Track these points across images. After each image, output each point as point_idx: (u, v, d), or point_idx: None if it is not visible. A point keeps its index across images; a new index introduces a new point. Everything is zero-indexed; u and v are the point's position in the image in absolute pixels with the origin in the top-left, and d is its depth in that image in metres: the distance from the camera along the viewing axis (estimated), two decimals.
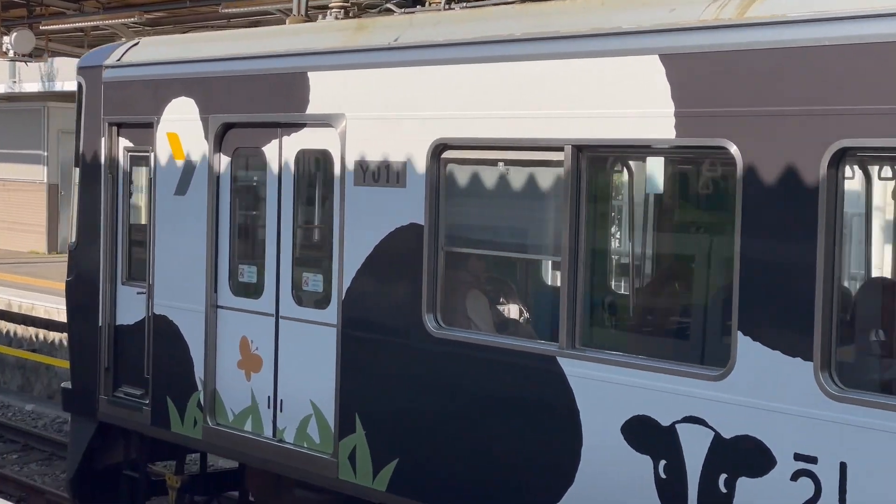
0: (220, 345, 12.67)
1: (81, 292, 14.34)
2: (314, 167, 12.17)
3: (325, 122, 11.48)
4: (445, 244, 10.57)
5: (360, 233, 11.14)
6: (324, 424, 11.59)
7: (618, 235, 10.05)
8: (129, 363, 13.80)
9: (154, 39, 14.26)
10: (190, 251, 12.89)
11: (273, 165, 12.11)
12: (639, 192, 9.76)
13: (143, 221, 13.89)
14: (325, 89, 11.50)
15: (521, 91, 9.89)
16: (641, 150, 9.36)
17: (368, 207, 11.08)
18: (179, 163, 13.07)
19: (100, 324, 14.04)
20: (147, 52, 13.73)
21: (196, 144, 12.83)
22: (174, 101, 13.12)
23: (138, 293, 13.61)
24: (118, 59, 13.93)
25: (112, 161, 13.94)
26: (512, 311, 10.78)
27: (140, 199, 14.00)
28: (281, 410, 12.06)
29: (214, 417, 12.69)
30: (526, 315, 10.69)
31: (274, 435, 12.13)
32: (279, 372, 12.09)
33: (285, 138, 11.99)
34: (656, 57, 9.05)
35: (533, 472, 9.84)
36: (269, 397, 12.19)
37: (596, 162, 9.74)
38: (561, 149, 9.58)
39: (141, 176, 14.04)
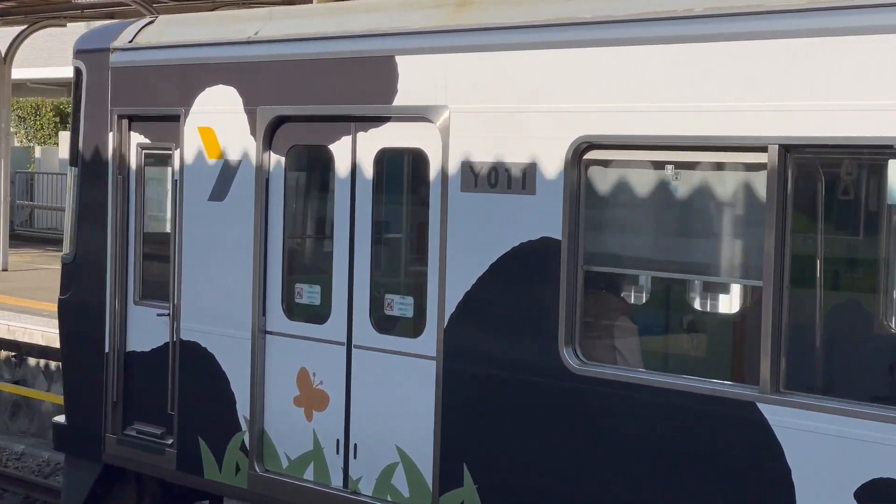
0: (270, 378, 10.72)
1: (81, 313, 12.25)
2: (401, 169, 10.28)
3: (418, 115, 9.60)
4: (586, 262, 8.79)
5: (469, 248, 9.29)
6: (416, 475, 9.72)
7: (836, 255, 8.36)
8: (145, 397, 11.76)
9: (178, 17, 12.19)
10: (229, 266, 10.91)
11: (343, 166, 10.19)
12: (871, 202, 8.08)
13: (164, 230, 11.88)
14: (419, 77, 9.62)
15: (702, 79, 8.14)
16: (881, 151, 7.67)
17: (481, 218, 9.24)
18: (215, 163, 11.07)
19: (106, 350, 11.98)
20: (170, 31, 11.69)
21: (238, 141, 10.86)
22: (209, 90, 11.11)
23: (158, 315, 11.58)
24: (130, 41, 11.86)
25: (122, 160, 11.88)
26: (672, 343, 9.02)
27: (158, 204, 11.98)
28: (355, 457, 10.15)
29: (263, 463, 10.73)
30: (694, 349, 8.93)
31: (345, 485, 10.21)
32: (352, 411, 10.18)
33: (361, 135, 10.08)
34: None
35: None
36: (338, 441, 10.27)
37: (809, 165, 8.04)
38: (763, 149, 7.85)
39: (159, 177, 12.01)
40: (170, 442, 11.44)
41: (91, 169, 12.08)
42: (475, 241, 9.26)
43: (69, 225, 12.58)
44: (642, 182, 8.82)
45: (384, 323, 10.03)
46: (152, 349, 11.70)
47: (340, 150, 10.21)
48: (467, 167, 9.30)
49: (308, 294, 10.59)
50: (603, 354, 8.89)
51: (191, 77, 11.26)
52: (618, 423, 8.56)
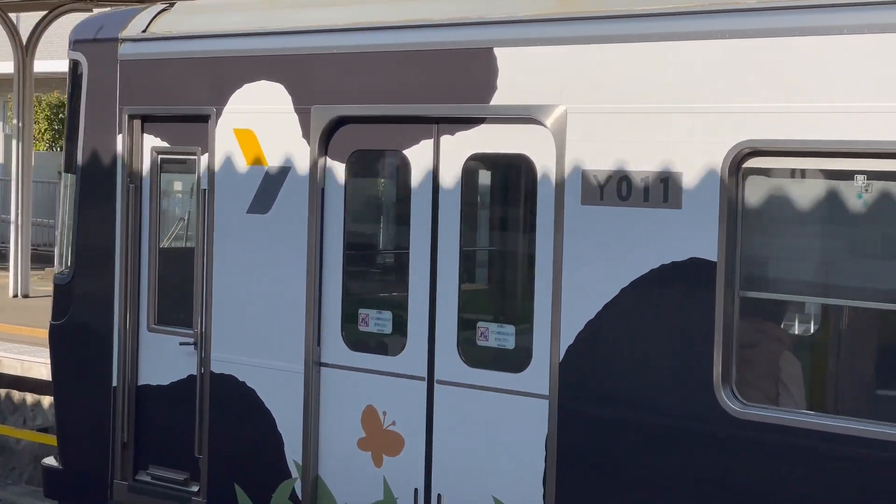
0: (327, 417, 9.29)
1: (81, 340, 10.67)
2: (498, 178, 8.95)
3: (524, 116, 8.28)
4: (745, 287, 7.56)
5: (592, 270, 7.99)
6: None
7: None
8: (163, 437, 10.24)
9: (201, 4, 10.65)
10: (275, 288, 9.46)
11: (423, 174, 8.81)
12: None
13: (185, 246, 10.38)
14: (525, 72, 8.28)
15: None
16: None
17: (608, 235, 7.95)
18: (255, 170, 9.60)
19: (114, 383, 10.44)
20: (194, 20, 10.15)
21: (286, 145, 9.41)
22: (247, 87, 9.63)
23: (181, 344, 10.08)
24: (143, 30, 10.32)
25: (134, 166, 10.34)
26: (850, 381, 7.80)
27: (177, 216, 10.47)
28: None
29: None
30: (879, 387, 7.70)
31: None
32: (434, 456, 8.81)
33: (446, 138, 8.71)
34: None
35: None
36: (416, 490, 8.89)
37: None
38: None
39: (179, 186, 10.51)
40: (195, 489, 9.94)
41: (93, 177, 10.52)
42: (600, 262, 7.97)
43: (63, 240, 11.02)
44: (817, 194, 7.59)
45: (476, 355, 8.67)
46: (172, 383, 10.18)
47: (419, 156, 8.83)
48: (591, 177, 8.00)
49: (376, 321, 9.18)
50: (767, 395, 7.66)
51: (225, 72, 9.77)
52: (792, 479, 7.34)
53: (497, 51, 8.39)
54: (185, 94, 9.99)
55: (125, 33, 10.35)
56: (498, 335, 8.58)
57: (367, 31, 9.05)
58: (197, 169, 9.99)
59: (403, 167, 8.98)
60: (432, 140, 8.78)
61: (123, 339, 10.33)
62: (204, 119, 9.88)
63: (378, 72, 8.97)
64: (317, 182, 9.20)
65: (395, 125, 8.95)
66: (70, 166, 10.80)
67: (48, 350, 11.03)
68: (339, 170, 9.18)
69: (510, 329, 8.54)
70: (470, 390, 8.61)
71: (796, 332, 8.02)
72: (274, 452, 9.50)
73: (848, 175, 7.29)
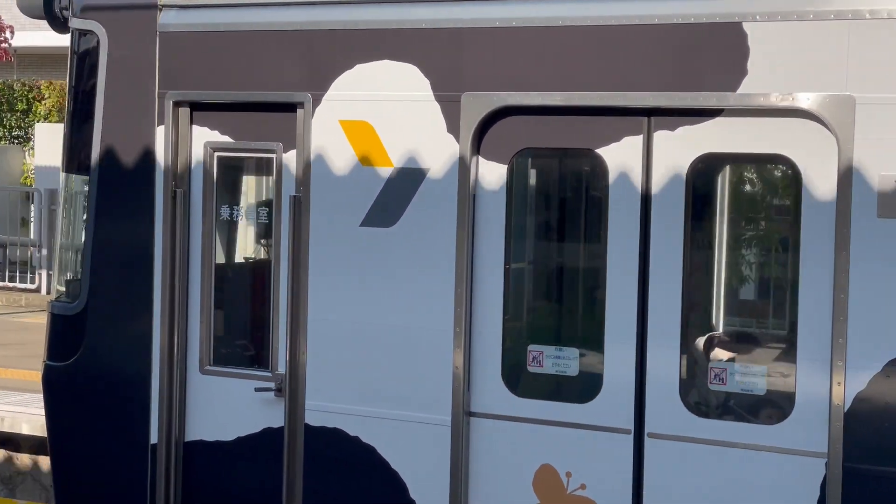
0: (481, 480, 7.42)
1: (99, 386, 8.35)
2: (740, 184, 7.23)
3: (786, 107, 6.63)
4: None
5: (892, 295, 6.44)
6: None
7: None
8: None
9: None
10: (404, 319, 7.50)
11: (626, 181, 7.05)
12: None
13: (255, 266, 8.26)
14: (788, 52, 6.65)
15: None
16: None
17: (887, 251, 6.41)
18: (374, 173, 7.57)
19: (153, 440, 8.21)
20: None
21: (421, 142, 7.45)
22: (361, 67, 7.59)
23: (258, 390, 7.95)
24: None
25: (180, 165, 8.16)
26: None
27: (246, 229, 8.29)
28: None
29: None
30: None
31: None
32: None
33: (663, 135, 6.95)
34: None
35: None
36: None
37: None
38: None
39: (246, 191, 8.34)
40: None
41: (119, 179, 8.24)
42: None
43: (64, 258, 8.69)
44: None
45: (706, 402, 7.00)
46: (238, 439, 8.05)
47: (620, 157, 7.05)
48: (892, 183, 6.44)
49: (555, 360, 7.33)
50: None
51: (325, 49, 7.69)
52: None
53: (748, 26, 6.72)
54: (260, 77, 7.86)
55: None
56: (742, 377, 6.91)
57: (548, 1, 7.21)
58: (277, 170, 7.90)
59: (596, 171, 7.19)
60: (642, 137, 7.02)
61: (167, 383, 8.13)
62: (289, 108, 7.81)
63: (561, 51, 7.13)
64: (466, 189, 7.31)
65: (582, 118, 7.15)
66: (76, 166, 8.49)
67: (41, 397, 8.68)
68: (497, 173, 7.31)
69: (760, 370, 6.88)
70: (697, 446, 6.92)
71: None
72: None
73: None
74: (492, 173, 7.31)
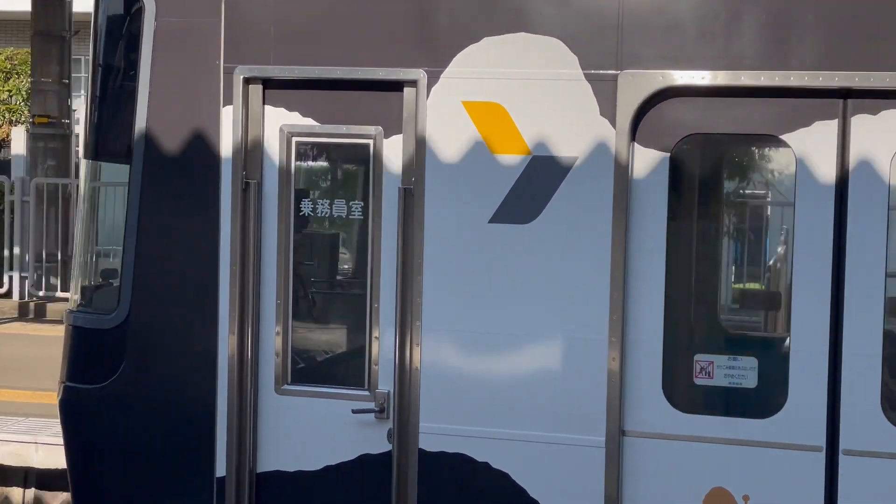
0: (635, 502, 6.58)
1: (148, 411, 7.07)
2: None
3: None
4: None
5: None
6: None
7: None
8: None
9: None
10: (547, 328, 6.54)
11: (817, 171, 6.28)
12: None
13: (341, 269, 7.11)
14: None
15: None
16: None
17: None
18: (507, 161, 6.55)
19: (219, 472, 6.97)
20: None
21: (565, 126, 6.49)
22: (489, 41, 6.55)
23: (356, 412, 6.82)
24: None
25: (252, 152, 6.92)
26: None
27: (325, 226, 7.08)
28: None
29: None
30: None
31: None
32: None
33: (863, 119, 6.22)
34: None
35: None
36: None
37: None
38: None
39: (334, 182, 7.15)
40: None
41: (174, 168, 6.96)
42: None
43: (90, 262, 7.32)
44: None
45: None
46: (326, 468, 6.91)
47: (810, 144, 6.28)
48: None
49: (728, 371, 6.49)
50: None
51: (447, 17, 6.59)
52: None
53: None
54: (354, 50, 6.74)
55: None
56: None
57: None
58: (375, 158, 6.78)
59: (780, 160, 6.40)
60: (837, 122, 6.27)
61: (237, 406, 6.92)
62: (393, 87, 6.71)
63: (734, 24, 6.31)
64: (622, 181, 6.40)
65: (763, 100, 6.34)
66: (108, 151, 7.15)
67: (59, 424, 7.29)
68: (655, 162, 6.43)
69: None
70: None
71: None
72: None
73: None
74: (648, 163, 6.43)
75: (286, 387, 6.94)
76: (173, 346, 7.00)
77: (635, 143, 6.44)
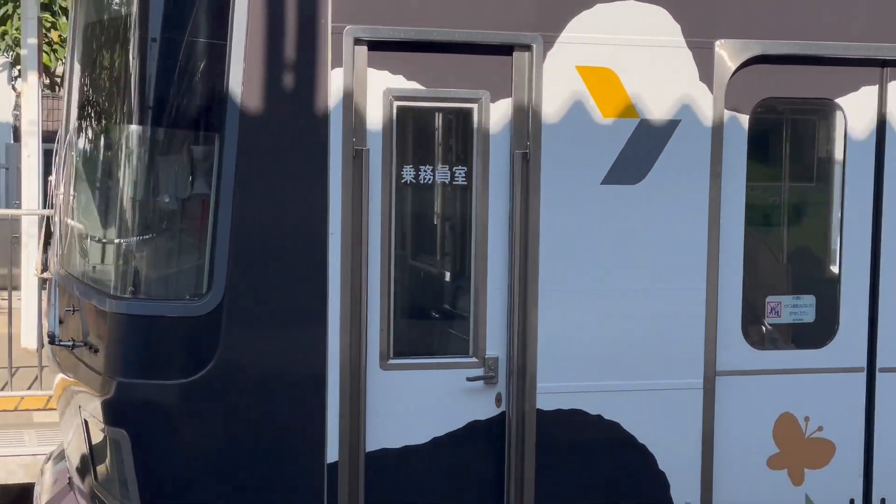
0: (726, 439, 6.98)
1: (251, 402, 6.26)
2: None
3: None
4: None
5: None
6: None
7: None
8: None
9: None
10: (653, 284, 6.75)
11: (859, 129, 7.05)
12: None
13: (441, 233, 6.65)
14: None
15: None
16: None
17: None
18: (618, 125, 6.64)
19: (330, 458, 6.37)
20: None
21: (668, 90, 6.70)
22: (601, 7, 6.57)
23: (470, 379, 6.53)
24: None
25: (360, 118, 6.31)
26: None
27: (427, 192, 6.54)
28: None
29: None
30: None
31: None
32: (875, 457, 7.24)
33: None
34: None
35: None
36: (851, 501, 7.22)
37: None
38: None
39: (437, 147, 6.61)
40: None
41: (276, 137, 6.20)
42: None
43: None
44: None
45: None
46: (434, 440, 6.60)
47: (857, 107, 7.05)
48: None
49: (793, 309, 7.09)
50: None
51: None
52: None
53: None
54: (471, 12, 6.44)
55: None
56: None
57: None
58: (481, 123, 6.53)
59: (834, 120, 7.08)
60: (877, 87, 7.09)
61: (349, 387, 6.38)
62: (503, 51, 6.51)
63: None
64: (717, 143, 6.79)
65: (822, 68, 7.00)
66: (174, 121, 6.18)
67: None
68: (740, 124, 6.87)
69: None
70: None
71: None
72: (653, 500, 6.87)
73: None
74: (735, 124, 6.88)
75: (391, 361, 6.54)
76: (277, 328, 6.31)
77: (725, 108, 6.86)
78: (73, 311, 6.87)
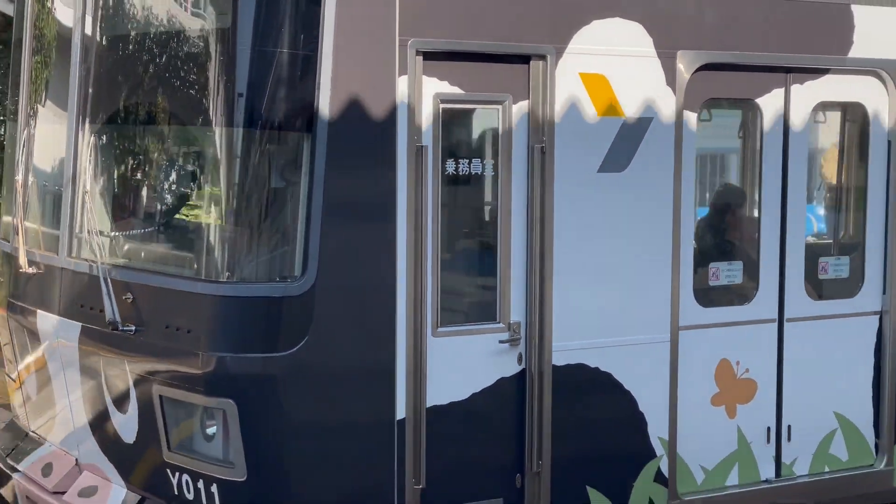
0: (684, 382, 8.25)
1: (339, 370, 7.02)
2: (837, 124, 8.79)
3: (869, 69, 8.75)
4: None
5: None
6: (855, 436, 9.02)
7: None
8: (467, 466, 7.50)
9: None
10: (628, 255, 7.93)
11: (773, 123, 8.46)
12: None
13: (475, 218, 7.54)
14: (875, 29, 8.73)
15: None
16: None
17: None
18: (609, 122, 7.76)
19: (399, 415, 7.20)
20: None
21: (644, 92, 7.89)
22: (597, 23, 7.68)
23: (502, 342, 7.50)
24: None
25: (418, 119, 7.15)
26: None
27: (463, 182, 7.39)
28: (788, 440, 8.74)
29: (676, 487, 8.25)
30: None
31: (777, 474, 8.73)
32: (784, 392, 8.70)
33: (796, 87, 8.53)
34: None
35: None
36: (768, 429, 8.66)
37: None
38: None
39: (472, 143, 7.44)
40: None
41: (357, 135, 6.98)
42: None
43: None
44: None
45: (816, 288, 8.82)
46: (472, 395, 7.54)
47: (770, 105, 8.46)
48: None
49: (727, 273, 8.42)
50: None
51: (568, 3, 7.55)
52: None
53: (854, 8, 8.67)
54: (501, 25, 7.41)
55: None
56: (835, 267, 8.90)
57: None
58: (506, 122, 7.51)
59: (755, 116, 8.45)
60: (783, 89, 8.53)
61: (413, 353, 7.24)
62: (522, 60, 7.52)
63: (740, 19, 8.25)
64: (679, 135, 8.05)
65: (745, 73, 8.37)
66: (269, 122, 6.84)
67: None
68: (692, 120, 8.15)
69: (845, 260, 8.93)
70: (813, 322, 8.80)
71: None
72: (636, 435, 8.06)
73: None
74: (689, 120, 8.16)
75: (439, 329, 7.45)
76: (358, 302, 7.11)
77: (684, 108, 8.12)
78: (132, 299, 7.41)
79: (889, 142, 8.94)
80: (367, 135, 7.10)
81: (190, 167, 7.49)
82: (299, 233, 7.00)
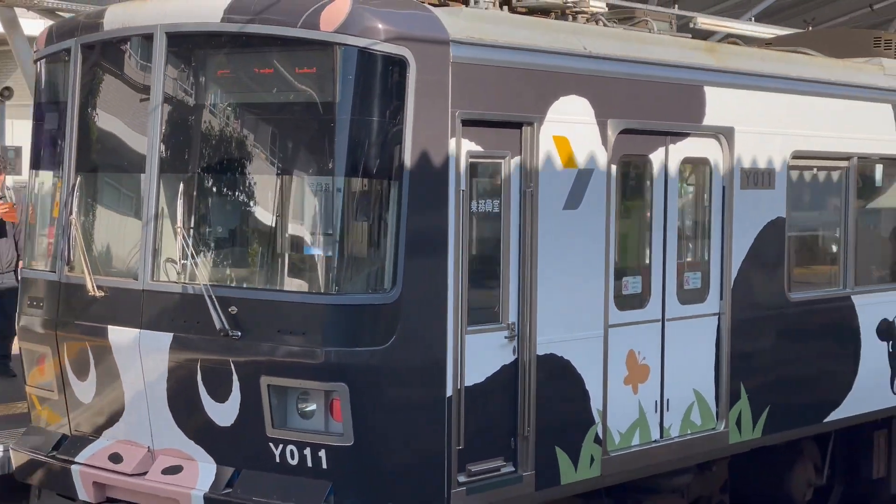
0: (609, 367, 10.67)
1: (415, 361, 9.06)
2: (693, 174, 11.39)
3: (716, 133, 11.52)
4: (794, 231, 12.58)
5: (742, 229, 11.87)
6: (705, 406, 11.72)
7: None
8: (483, 431, 9.65)
9: (491, 14, 9.07)
10: (580, 272, 10.32)
11: (659, 173, 11.07)
12: None
13: (492, 246, 9.73)
14: (719, 104, 11.48)
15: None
16: None
17: (744, 208, 11.90)
18: (569, 172, 10.14)
19: (449, 393, 9.28)
20: (496, 30, 9.53)
21: (589, 151, 10.31)
22: (563, 99, 10.06)
23: (507, 337, 9.69)
24: (467, 35, 9.20)
25: (460, 170, 9.28)
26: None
27: (481, 217, 9.52)
28: (667, 409, 11.33)
29: (606, 446, 10.67)
30: None
31: (661, 435, 11.30)
32: (665, 374, 11.29)
33: (671, 146, 11.17)
34: None
35: None
36: (656, 402, 11.22)
37: None
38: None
39: (485, 188, 9.57)
40: (513, 470, 9.92)
41: (427, 181, 9.10)
42: (742, 224, 11.93)
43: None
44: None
45: (682, 296, 11.44)
46: (486, 378, 9.73)
47: (656, 159, 11.06)
48: (744, 172, 11.88)
49: (633, 285, 10.90)
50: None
51: (546, 84, 9.93)
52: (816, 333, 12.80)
53: (706, 88, 11.43)
54: (508, 101, 9.66)
55: (454, 35, 9.17)
56: (693, 280, 11.59)
57: (637, 64, 10.75)
58: (506, 172, 9.76)
59: (648, 168, 11.02)
60: (664, 148, 11.16)
61: (455, 346, 9.36)
62: (516, 125, 9.81)
63: (641, 95, 10.82)
64: (608, 182, 10.51)
65: (646, 136, 10.94)
66: (367, 171, 8.85)
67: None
68: (615, 171, 10.63)
69: (698, 275, 11.62)
70: (681, 321, 11.45)
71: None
72: (584, 407, 10.44)
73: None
74: (613, 171, 10.64)
75: (468, 328, 9.59)
76: (426, 308, 9.18)
77: (611, 162, 10.61)
78: (237, 310, 9.18)
79: (724, 187, 11.77)
80: (432, 182, 9.23)
81: (301, 210, 9.34)
82: (389, 255, 9.03)
